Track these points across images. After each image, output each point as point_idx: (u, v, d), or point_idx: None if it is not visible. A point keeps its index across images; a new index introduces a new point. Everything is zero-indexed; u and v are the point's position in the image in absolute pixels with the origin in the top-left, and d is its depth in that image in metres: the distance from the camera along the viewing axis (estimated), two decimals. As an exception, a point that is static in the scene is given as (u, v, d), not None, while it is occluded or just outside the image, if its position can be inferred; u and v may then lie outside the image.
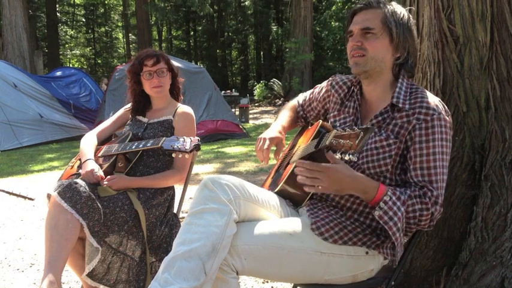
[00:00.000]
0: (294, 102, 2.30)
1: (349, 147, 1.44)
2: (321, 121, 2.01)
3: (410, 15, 1.85)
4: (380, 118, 1.81)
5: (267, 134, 2.07)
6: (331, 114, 2.04)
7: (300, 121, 2.27)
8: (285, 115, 2.23)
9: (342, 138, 1.47)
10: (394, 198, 1.64)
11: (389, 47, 1.80)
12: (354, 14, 1.86)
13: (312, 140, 1.88)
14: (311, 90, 2.24)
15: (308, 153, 1.78)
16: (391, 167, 1.77)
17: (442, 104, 1.78)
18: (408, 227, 1.71)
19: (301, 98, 2.29)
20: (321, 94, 2.14)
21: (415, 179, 1.72)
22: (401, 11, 1.82)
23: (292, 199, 1.93)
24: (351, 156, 1.44)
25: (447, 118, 1.75)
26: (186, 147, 2.23)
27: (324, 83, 2.15)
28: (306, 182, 1.62)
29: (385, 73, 1.84)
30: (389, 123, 1.78)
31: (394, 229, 1.64)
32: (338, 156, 1.50)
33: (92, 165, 2.38)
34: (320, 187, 1.61)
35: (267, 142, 2.02)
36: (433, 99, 1.77)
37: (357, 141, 1.42)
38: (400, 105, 1.76)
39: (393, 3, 1.85)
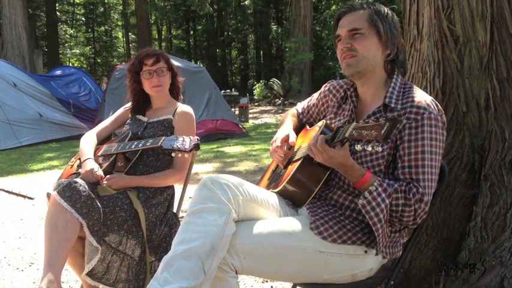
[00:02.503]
0: (293, 111, 2.31)
1: (374, 138, 1.44)
2: (324, 121, 2.02)
3: (394, 14, 1.87)
4: (372, 118, 1.81)
5: (277, 135, 2.10)
6: (328, 117, 2.05)
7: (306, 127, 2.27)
8: (289, 120, 2.24)
9: (364, 129, 1.47)
10: (379, 189, 1.65)
11: (379, 44, 1.81)
12: (339, 19, 1.87)
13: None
14: (308, 99, 2.26)
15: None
16: (384, 167, 1.77)
17: (435, 103, 1.78)
18: (391, 220, 1.71)
19: (299, 106, 2.30)
20: (319, 99, 2.15)
21: (401, 176, 1.73)
22: (384, 9, 1.84)
23: (293, 199, 1.92)
24: (375, 146, 1.44)
25: (438, 117, 1.74)
26: (186, 147, 2.23)
27: (321, 89, 2.15)
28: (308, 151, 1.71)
29: (377, 71, 1.85)
30: None
31: (375, 219, 1.66)
32: (360, 147, 1.50)
33: (91, 165, 2.38)
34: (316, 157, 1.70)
35: (278, 141, 2.05)
36: (425, 98, 1.77)
37: (382, 131, 1.42)
38: (393, 105, 1.77)
39: (375, 3, 1.87)
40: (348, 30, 1.81)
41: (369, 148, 1.46)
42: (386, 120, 1.44)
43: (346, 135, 1.54)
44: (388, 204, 1.66)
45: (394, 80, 1.83)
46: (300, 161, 1.86)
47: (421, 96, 1.77)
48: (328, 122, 1.99)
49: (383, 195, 1.65)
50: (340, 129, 1.62)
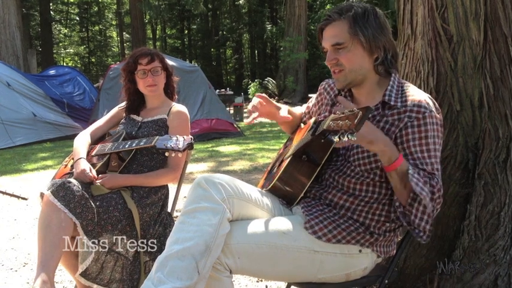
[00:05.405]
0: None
1: (348, 127, 1.43)
2: (315, 118, 2.02)
3: (377, 9, 1.81)
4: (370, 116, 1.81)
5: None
6: (322, 115, 2.05)
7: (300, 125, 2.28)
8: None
9: (340, 119, 1.47)
10: (416, 175, 1.61)
11: (364, 53, 1.77)
12: (322, 31, 1.84)
13: (307, 133, 1.89)
14: (310, 100, 2.26)
15: (304, 143, 1.78)
16: (381, 164, 1.77)
17: (433, 101, 1.78)
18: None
19: (303, 108, 2.31)
20: (317, 98, 2.15)
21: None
22: (364, 10, 1.77)
23: (286, 197, 1.93)
24: (349, 136, 1.43)
25: (438, 115, 1.75)
26: (179, 146, 2.22)
27: (319, 88, 2.16)
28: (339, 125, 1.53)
29: (369, 77, 1.83)
30: (380, 121, 1.77)
31: (424, 193, 1.60)
32: (337, 139, 1.49)
33: (83, 165, 2.36)
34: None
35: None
36: (424, 97, 1.77)
37: (355, 121, 1.41)
38: (392, 102, 1.76)
39: (354, 3, 1.81)
40: (332, 45, 1.78)
41: (345, 139, 1.44)
42: (360, 109, 1.44)
43: (325, 127, 1.53)
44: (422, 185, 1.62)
45: (392, 78, 1.83)
46: (289, 158, 1.86)
47: (420, 95, 1.77)
48: (322, 119, 1.99)
49: (421, 179, 1.62)
50: (321, 122, 1.61)
